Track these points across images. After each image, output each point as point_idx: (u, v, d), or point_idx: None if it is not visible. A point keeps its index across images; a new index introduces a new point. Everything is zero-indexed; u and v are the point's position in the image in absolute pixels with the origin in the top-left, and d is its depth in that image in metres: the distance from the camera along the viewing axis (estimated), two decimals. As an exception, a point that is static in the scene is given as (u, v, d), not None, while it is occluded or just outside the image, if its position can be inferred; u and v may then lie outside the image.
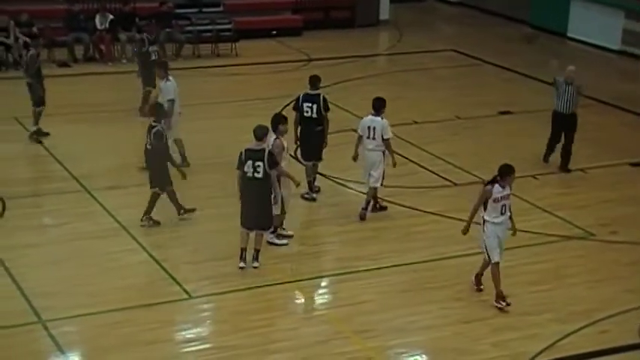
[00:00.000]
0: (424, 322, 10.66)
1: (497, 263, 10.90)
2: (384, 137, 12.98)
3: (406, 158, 15.72)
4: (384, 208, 13.60)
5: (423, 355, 10.20)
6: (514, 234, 11.03)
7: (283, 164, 11.97)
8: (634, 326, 10.54)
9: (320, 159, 14.02)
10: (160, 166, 12.80)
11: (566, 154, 15.27)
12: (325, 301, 11.51)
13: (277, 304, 11.09)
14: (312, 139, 13.75)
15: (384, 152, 13.10)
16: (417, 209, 13.70)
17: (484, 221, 10.87)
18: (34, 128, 16.13)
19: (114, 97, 18.49)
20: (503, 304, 10.87)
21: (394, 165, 13.23)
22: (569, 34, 24.47)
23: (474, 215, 10.96)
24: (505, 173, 10.75)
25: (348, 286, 11.51)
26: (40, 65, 16.32)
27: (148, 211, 12.86)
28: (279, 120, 12.17)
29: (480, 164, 15.45)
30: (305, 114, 13.76)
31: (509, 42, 24.61)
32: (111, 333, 10.32)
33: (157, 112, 12.95)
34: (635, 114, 18.45)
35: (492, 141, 16.88)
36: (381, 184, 13.29)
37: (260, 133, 11.61)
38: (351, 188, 14.47)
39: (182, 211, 13.02)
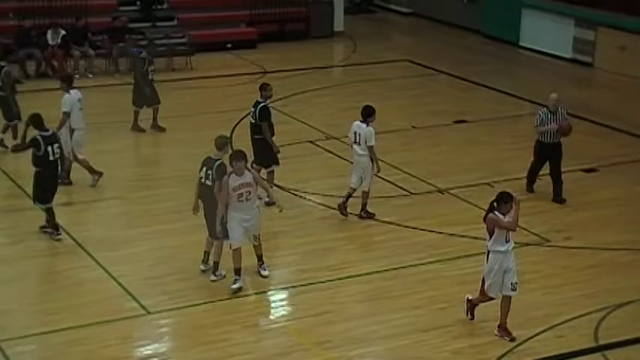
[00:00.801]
0: (384, 332, 10.67)
1: (504, 298, 10.45)
2: (367, 144, 13.28)
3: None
4: (372, 215, 13.76)
5: (384, 365, 10.22)
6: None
7: (243, 204, 11.27)
8: (590, 330, 10.66)
9: (263, 166, 13.98)
10: (55, 178, 12.67)
11: (559, 184, 14.59)
12: (285, 313, 11.46)
13: (237, 317, 11.01)
14: (254, 146, 13.95)
15: (372, 158, 13.43)
16: (374, 219, 13.73)
17: (488, 252, 10.41)
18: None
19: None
20: (507, 338, 10.41)
21: (378, 171, 13.54)
22: (521, 43, 24.77)
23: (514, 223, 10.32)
24: (503, 200, 10.29)
25: (308, 298, 11.49)
26: (14, 80, 16.43)
27: (54, 226, 12.69)
28: (233, 156, 11.35)
29: (436, 173, 15.57)
30: (250, 120, 14.16)
31: (462, 51, 24.87)
32: (68, 351, 10.17)
33: (35, 121, 12.65)
34: (589, 121, 18.70)
35: (448, 150, 17.00)
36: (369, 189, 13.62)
37: (219, 143, 11.63)
38: (309, 200, 14.47)
39: (52, 230, 12.73)
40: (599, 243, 13.06)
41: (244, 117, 16.73)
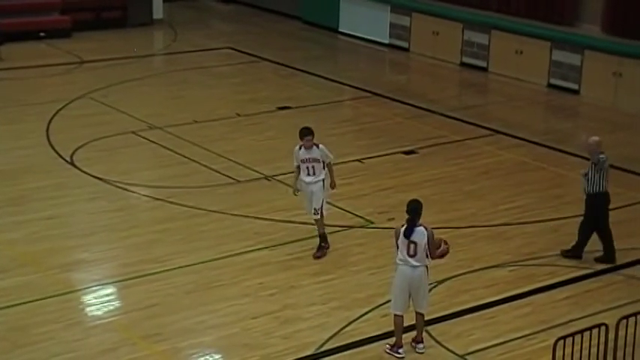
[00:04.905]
0: (213, 321, 10.60)
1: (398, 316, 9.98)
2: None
3: (187, 158, 15.61)
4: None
5: (214, 355, 10.14)
6: None
7: None
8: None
9: None
10: None
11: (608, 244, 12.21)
12: (111, 308, 11.15)
13: (59, 316, 10.62)
14: None
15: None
16: (200, 209, 13.61)
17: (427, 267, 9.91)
18: None
19: None
20: (399, 354, 9.93)
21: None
22: (341, 29, 25.20)
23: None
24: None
25: (134, 291, 11.25)
26: None
27: None
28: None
29: (261, 160, 15.61)
30: None
31: (283, 38, 25.04)
32: None
33: None
34: (407, 104, 19.27)
35: (273, 136, 17.08)
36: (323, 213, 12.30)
37: None
38: (133, 192, 14.16)
39: None
40: (419, 222, 13.46)
41: (61, 109, 16.18)
